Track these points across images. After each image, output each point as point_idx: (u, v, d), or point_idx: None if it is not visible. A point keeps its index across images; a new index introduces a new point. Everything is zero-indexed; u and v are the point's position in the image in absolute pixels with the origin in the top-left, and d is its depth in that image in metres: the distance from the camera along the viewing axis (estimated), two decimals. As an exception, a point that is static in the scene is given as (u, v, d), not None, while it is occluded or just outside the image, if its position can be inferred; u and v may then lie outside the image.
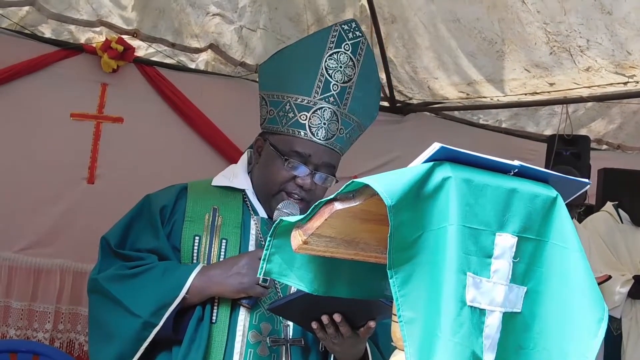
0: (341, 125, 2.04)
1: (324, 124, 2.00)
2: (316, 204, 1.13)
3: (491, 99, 4.72)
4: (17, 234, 4.00)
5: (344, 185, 1.10)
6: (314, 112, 2.00)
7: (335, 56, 2.03)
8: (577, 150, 5.02)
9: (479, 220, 1.11)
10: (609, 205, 4.74)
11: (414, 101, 5.10)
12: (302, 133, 1.99)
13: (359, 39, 2.07)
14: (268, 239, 1.24)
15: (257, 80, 4.68)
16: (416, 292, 1.08)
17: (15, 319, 3.98)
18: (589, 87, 4.14)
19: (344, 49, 2.04)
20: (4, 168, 3.95)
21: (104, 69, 4.11)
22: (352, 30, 2.07)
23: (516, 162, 1.15)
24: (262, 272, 1.25)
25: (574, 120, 5.12)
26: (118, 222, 2.06)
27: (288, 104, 2.02)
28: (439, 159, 1.11)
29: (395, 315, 1.13)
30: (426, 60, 4.46)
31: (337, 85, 2.03)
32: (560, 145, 5.01)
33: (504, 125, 5.63)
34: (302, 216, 1.15)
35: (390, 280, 1.07)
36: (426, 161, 1.10)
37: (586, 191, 4.50)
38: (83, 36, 4.14)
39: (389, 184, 1.06)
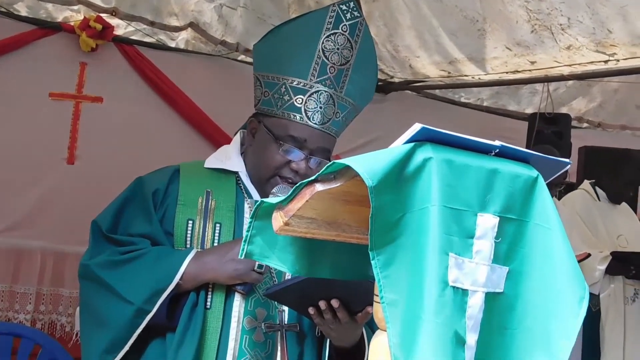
0: (337, 108, 1.99)
1: (320, 107, 1.96)
2: (297, 185, 1.12)
3: (472, 78, 4.73)
4: (-4, 215, 3.98)
5: (325, 167, 1.10)
6: (310, 96, 1.95)
7: (333, 37, 1.97)
8: (558, 129, 5.05)
9: (461, 200, 1.11)
10: (586, 184, 4.76)
11: (396, 80, 5.10)
12: (298, 117, 1.95)
13: (357, 19, 2.01)
14: (249, 220, 1.23)
15: (237, 59, 4.63)
16: (398, 274, 1.07)
17: (-4, 301, 3.97)
18: (569, 65, 4.16)
19: (342, 30, 1.98)
20: (-18, 149, 3.91)
21: (82, 48, 4.06)
22: (350, 10, 2.00)
23: (497, 143, 1.15)
24: (244, 254, 1.24)
25: (555, 98, 5.14)
26: (109, 206, 2.00)
27: (283, 86, 1.97)
28: (420, 139, 1.10)
29: (377, 295, 1.12)
30: (408, 39, 4.44)
31: (334, 67, 1.98)
32: (541, 124, 5.03)
33: (485, 104, 5.64)
34: (283, 197, 1.14)
35: (372, 262, 1.06)
36: (407, 142, 1.10)
37: (567, 169, 4.52)
38: (61, 15, 4.09)
39: (370, 165, 1.05)
